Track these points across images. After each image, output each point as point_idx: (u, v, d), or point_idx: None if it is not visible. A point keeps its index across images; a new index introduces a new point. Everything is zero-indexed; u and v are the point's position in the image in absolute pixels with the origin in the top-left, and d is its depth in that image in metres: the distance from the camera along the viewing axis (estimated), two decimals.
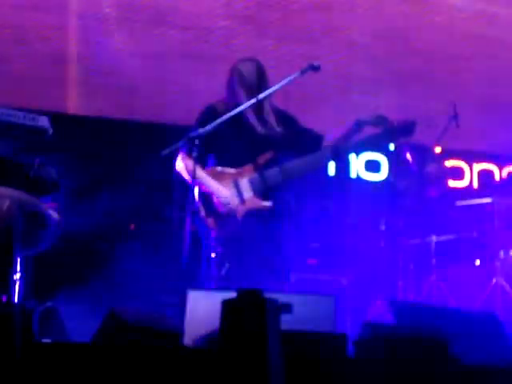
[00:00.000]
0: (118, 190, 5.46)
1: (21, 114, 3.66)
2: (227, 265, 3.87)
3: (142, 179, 5.52)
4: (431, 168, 5.87)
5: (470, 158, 7.13)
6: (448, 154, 6.59)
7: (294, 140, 4.13)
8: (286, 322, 2.72)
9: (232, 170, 4.03)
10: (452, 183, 6.95)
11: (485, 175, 7.15)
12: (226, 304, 2.37)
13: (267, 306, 2.35)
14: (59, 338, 3.31)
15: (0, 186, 3.37)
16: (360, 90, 6.49)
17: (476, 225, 6.13)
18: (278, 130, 4.12)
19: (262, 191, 3.98)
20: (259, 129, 4.09)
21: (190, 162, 3.90)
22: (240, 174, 4.00)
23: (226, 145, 4.07)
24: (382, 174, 6.97)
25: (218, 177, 4.02)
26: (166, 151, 3.82)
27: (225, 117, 3.88)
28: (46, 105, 5.46)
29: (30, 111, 3.65)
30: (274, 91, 3.99)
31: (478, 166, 7.19)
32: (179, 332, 2.93)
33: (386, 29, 6.52)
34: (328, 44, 6.38)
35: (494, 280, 5.66)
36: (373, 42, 6.50)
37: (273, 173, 3.99)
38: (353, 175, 6.94)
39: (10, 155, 3.65)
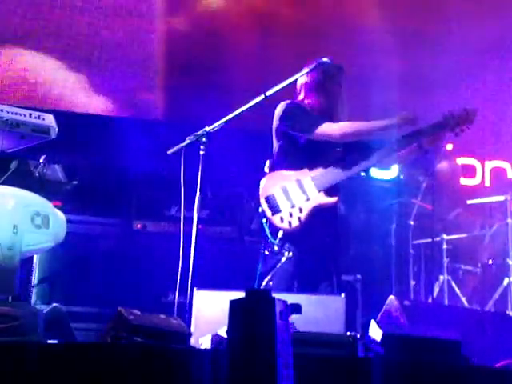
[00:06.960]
0: (123, 187, 5.43)
1: (27, 112, 3.64)
2: (287, 261, 3.86)
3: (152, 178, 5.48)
4: (443, 165, 5.83)
5: (482, 155, 7.06)
6: (460, 151, 6.53)
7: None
8: (296, 322, 2.68)
9: (293, 172, 4.01)
10: (464, 181, 6.87)
11: (497, 173, 7.07)
12: (233, 304, 2.33)
13: (276, 306, 2.30)
14: (66, 338, 3.28)
15: (5, 184, 3.34)
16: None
17: (488, 223, 6.07)
18: None
19: (326, 188, 3.97)
20: None
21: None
22: (303, 174, 3.99)
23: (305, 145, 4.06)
24: (393, 172, 6.90)
25: (280, 179, 4.00)
26: (172, 149, 3.77)
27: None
28: None
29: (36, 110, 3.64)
30: (282, 88, 3.93)
31: (491, 164, 7.11)
32: (186, 332, 2.89)
33: None
34: None
35: (507, 280, 5.60)
36: None
37: (337, 170, 4.02)
38: (362, 173, 6.86)
39: (15, 154, 3.63)
